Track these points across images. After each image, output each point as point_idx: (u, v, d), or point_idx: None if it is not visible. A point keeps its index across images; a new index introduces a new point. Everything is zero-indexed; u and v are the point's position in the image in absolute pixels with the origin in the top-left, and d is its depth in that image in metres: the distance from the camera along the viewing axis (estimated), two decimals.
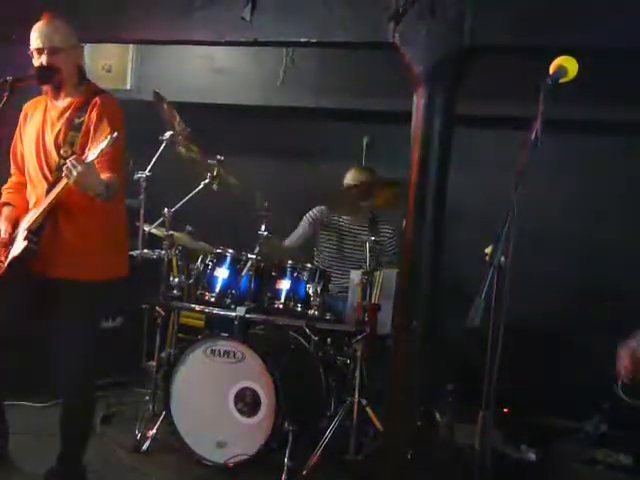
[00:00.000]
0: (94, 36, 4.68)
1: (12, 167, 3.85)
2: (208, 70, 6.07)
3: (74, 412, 3.79)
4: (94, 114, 3.55)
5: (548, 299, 5.28)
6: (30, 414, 4.75)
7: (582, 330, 5.24)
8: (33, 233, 3.49)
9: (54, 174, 3.53)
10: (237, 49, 5.90)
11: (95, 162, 3.29)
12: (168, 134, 4.52)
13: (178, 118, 4.57)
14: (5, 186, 3.87)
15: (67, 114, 3.60)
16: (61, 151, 3.54)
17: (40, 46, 3.54)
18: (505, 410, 4.70)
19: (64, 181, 3.28)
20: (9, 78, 3.48)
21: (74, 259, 3.57)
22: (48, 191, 3.51)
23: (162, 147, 4.49)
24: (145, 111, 4.85)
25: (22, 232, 3.52)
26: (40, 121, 3.65)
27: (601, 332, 5.14)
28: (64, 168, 3.22)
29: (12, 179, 3.85)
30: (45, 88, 3.66)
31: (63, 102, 3.65)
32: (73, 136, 3.56)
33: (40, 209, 3.47)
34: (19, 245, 3.51)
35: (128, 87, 6.25)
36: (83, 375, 3.72)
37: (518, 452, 4.68)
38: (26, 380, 4.76)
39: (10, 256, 3.55)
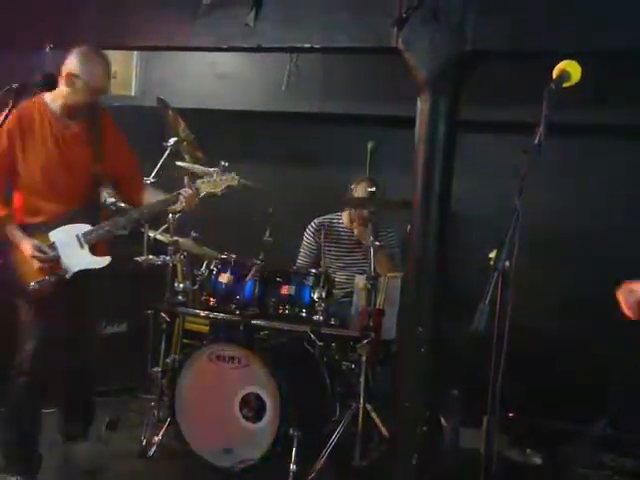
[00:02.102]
0: (98, 42, 4.69)
1: None
2: (212, 76, 6.08)
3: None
4: (111, 132, 3.93)
5: (550, 303, 5.27)
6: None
7: (586, 332, 5.23)
8: (95, 245, 3.82)
9: (93, 191, 3.87)
10: (241, 55, 5.91)
11: (131, 176, 4.02)
12: (172, 140, 4.53)
13: (183, 124, 4.58)
14: None
15: (87, 137, 3.82)
16: (94, 170, 3.82)
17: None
18: (510, 414, 4.70)
19: (176, 207, 3.84)
20: (14, 86, 3.49)
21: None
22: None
23: (166, 153, 4.50)
24: (149, 117, 4.87)
25: (82, 244, 3.76)
26: (57, 139, 3.77)
27: (605, 334, 5.14)
28: (183, 198, 3.77)
29: None
30: (61, 106, 3.77)
31: (71, 122, 3.80)
32: (99, 156, 3.82)
33: (108, 227, 3.80)
34: (90, 258, 3.79)
35: (132, 93, 6.27)
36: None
37: (523, 456, 4.68)
38: None
39: (75, 269, 3.76)
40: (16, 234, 3.71)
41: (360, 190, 5.09)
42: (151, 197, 3.93)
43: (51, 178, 3.77)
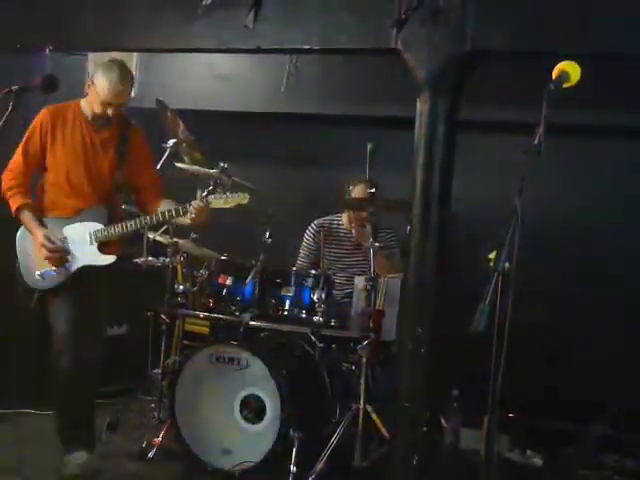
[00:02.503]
0: (97, 45, 4.70)
1: (21, 165, 4.02)
2: (211, 77, 6.08)
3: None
4: (138, 145, 4.16)
5: (551, 303, 5.27)
6: (40, 422, 4.75)
7: (586, 334, 5.23)
8: (105, 245, 4.03)
9: (111, 194, 4.08)
10: (240, 56, 5.91)
11: (149, 186, 4.15)
12: (171, 142, 4.52)
13: (182, 126, 4.57)
14: (10, 185, 4.02)
15: (114, 144, 4.08)
16: (115, 175, 4.06)
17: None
18: (510, 415, 4.70)
19: (185, 218, 3.96)
20: (14, 87, 3.49)
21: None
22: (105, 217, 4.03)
23: (166, 155, 4.49)
24: (149, 119, 4.87)
25: (91, 241, 3.99)
26: (85, 142, 4.03)
27: (605, 335, 5.15)
28: (193, 209, 3.89)
29: (17, 179, 4.02)
30: (93, 114, 4.00)
31: (102, 127, 4.05)
32: (121, 163, 4.07)
33: (124, 226, 3.98)
34: (96, 255, 3.99)
35: (132, 95, 6.25)
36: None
37: (524, 457, 4.68)
38: (35, 387, 4.77)
39: (80, 263, 3.99)
40: (31, 222, 3.97)
41: (357, 191, 5.10)
42: (164, 207, 4.06)
43: (73, 177, 4.01)
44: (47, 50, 4.55)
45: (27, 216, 3.98)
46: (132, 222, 3.99)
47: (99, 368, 4.17)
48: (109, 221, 4.02)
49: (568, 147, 4.76)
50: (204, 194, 3.98)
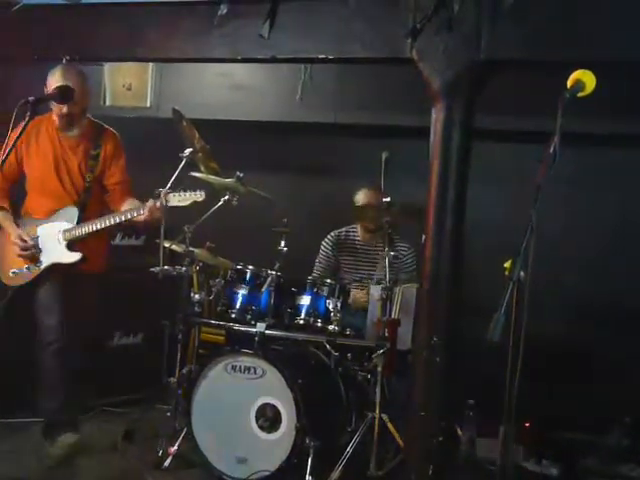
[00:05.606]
0: (114, 55, 4.73)
1: None
2: (227, 87, 6.10)
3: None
4: (109, 149, 4.41)
5: (568, 314, 5.25)
6: None
7: (602, 344, 5.21)
8: (75, 243, 4.27)
9: (82, 195, 4.35)
10: (255, 66, 5.93)
11: (114, 186, 4.42)
12: (187, 151, 4.54)
13: (197, 135, 4.59)
14: None
15: (83, 146, 4.36)
16: (86, 177, 4.34)
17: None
18: (526, 424, 4.68)
19: (137, 215, 4.17)
20: (30, 99, 3.53)
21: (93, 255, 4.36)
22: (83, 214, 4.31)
23: (182, 164, 4.51)
24: (165, 128, 4.89)
25: (60, 240, 4.25)
26: (55, 146, 4.34)
27: (621, 347, 5.13)
28: (147, 209, 4.11)
29: None
30: (57, 118, 4.26)
31: (72, 133, 4.35)
32: (92, 165, 4.35)
33: (90, 226, 4.24)
34: (64, 253, 4.26)
35: (148, 105, 6.30)
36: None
37: (540, 467, 4.66)
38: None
39: (49, 261, 4.28)
40: (5, 222, 4.36)
41: (361, 197, 5.16)
42: (127, 207, 4.34)
43: (46, 180, 4.33)
44: (64, 60, 4.58)
45: (3, 217, 4.35)
46: (98, 222, 4.23)
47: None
48: (80, 221, 4.28)
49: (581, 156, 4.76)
50: (163, 193, 4.12)
